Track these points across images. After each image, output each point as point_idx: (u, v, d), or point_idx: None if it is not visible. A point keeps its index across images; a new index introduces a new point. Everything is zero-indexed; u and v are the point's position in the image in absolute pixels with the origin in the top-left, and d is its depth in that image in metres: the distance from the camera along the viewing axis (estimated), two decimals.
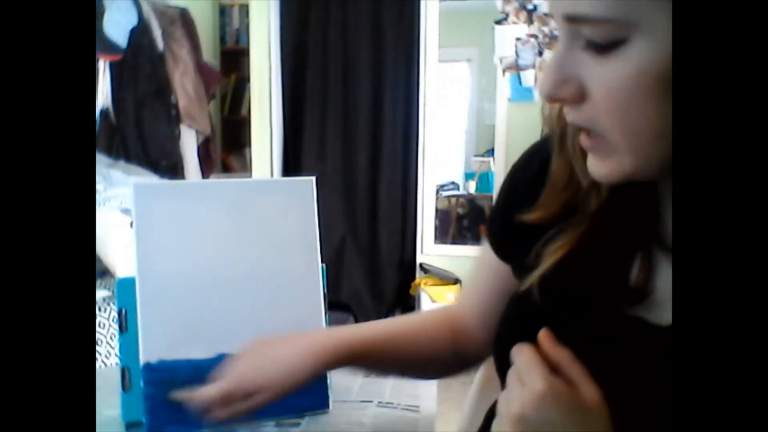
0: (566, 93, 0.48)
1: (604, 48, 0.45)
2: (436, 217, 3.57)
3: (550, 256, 0.58)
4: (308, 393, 0.89)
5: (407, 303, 3.43)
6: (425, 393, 0.93)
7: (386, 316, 3.45)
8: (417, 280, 3.33)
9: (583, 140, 0.51)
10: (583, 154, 0.54)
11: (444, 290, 3.18)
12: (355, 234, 3.43)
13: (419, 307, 3.29)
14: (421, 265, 3.39)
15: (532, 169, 0.65)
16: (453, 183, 4.33)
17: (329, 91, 3.38)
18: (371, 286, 3.42)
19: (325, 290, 0.91)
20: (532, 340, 0.56)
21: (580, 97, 0.48)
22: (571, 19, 0.46)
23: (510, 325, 0.64)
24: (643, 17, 0.42)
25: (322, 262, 0.91)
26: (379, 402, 0.91)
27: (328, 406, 0.90)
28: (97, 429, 0.55)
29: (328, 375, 0.90)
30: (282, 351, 0.71)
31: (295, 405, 0.88)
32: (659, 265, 0.55)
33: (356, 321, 3.18)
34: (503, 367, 0.62)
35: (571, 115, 0.50)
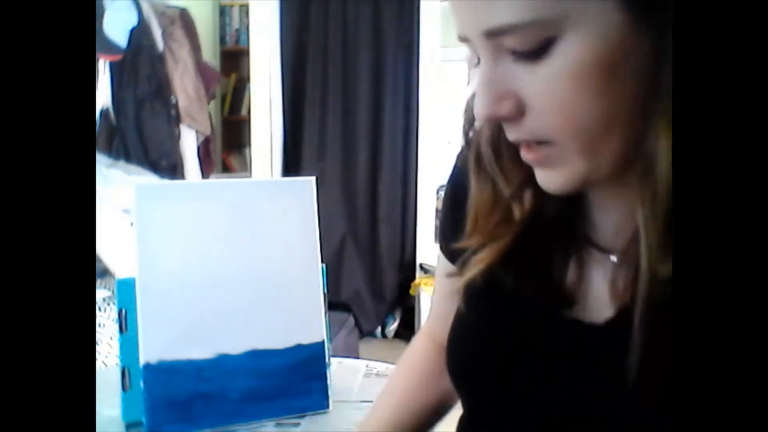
0: (505, 110, 0.46)
1: (533, 54, 0.43)
2: (436, 217, 3.57)
3: (474, 266, 0.57)
4: (308, 393, 0.89)
5: (407, 303, 3.43)
6: None
7: (386, 316, 3.46)
8: (417, 280, 3.32)
9: (526, 155, 0.48)
10: (503, 170, 0.54)
11: None
12: (355, 234, 3.43)
13: (419, 307, 3.29)
14: (421, 265, 3.38)
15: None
16: None
17: (329, 91, 3.38)
18: (371, 286, 3.42)
19: (325, 290, 0.91)
20: (483, 354, 0.57)
21: (519, 111, 0.46)
22: (493, 34, 0.44)
23: (459, 342, 0.62)
24: (570, 9, 0.41)
25: (322, 262, 0.91)
26: None
27: (328, 406, 0.90)
28: (97, 429, 0.55)
29: (328, 375, 0.90)
30: None
31: (295, 405, 0.88)
32: (592, 267, 0.55)
33: (356, 321, 3.18)
34: (460, 382, 0.62)
35: (513, 134, 0.48)
